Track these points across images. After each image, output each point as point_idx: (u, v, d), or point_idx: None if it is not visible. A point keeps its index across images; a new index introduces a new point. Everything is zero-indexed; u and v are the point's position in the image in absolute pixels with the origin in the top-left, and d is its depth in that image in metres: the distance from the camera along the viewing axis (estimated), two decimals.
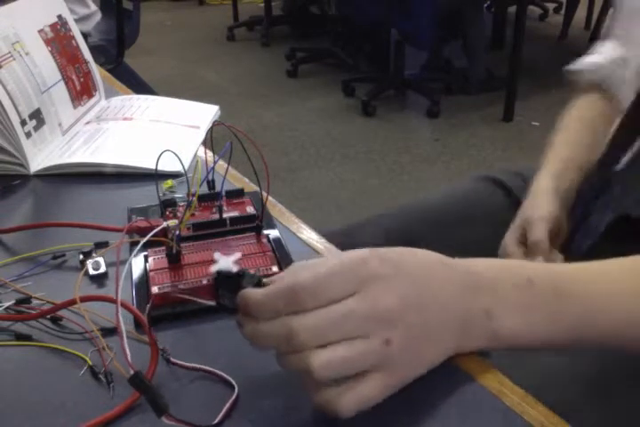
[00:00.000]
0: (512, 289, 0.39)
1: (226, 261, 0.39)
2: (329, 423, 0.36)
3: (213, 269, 0.39)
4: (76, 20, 2.16)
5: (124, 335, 0.35)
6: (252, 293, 0.36)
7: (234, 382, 0.39)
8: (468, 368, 0.40)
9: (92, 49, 0.90)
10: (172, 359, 0.41)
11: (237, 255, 0.40)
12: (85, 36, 2.04)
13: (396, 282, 0.36)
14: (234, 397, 0.37)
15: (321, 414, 0.36)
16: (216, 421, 0.36)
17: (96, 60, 0.90)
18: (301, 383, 0.36)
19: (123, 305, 0.42)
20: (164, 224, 0.47)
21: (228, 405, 0.37)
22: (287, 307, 0.35)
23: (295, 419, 0.37)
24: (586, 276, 0.42)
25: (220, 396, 0.38)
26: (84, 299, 0.43)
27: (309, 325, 0.34)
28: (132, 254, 0.40)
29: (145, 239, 0.41)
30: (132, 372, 0.35)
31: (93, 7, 2.17)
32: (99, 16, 2.20)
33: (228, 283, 0.38)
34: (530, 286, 0.39)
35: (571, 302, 0.40)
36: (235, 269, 0.38)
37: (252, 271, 0.39)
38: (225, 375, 0.39)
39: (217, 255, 0.39)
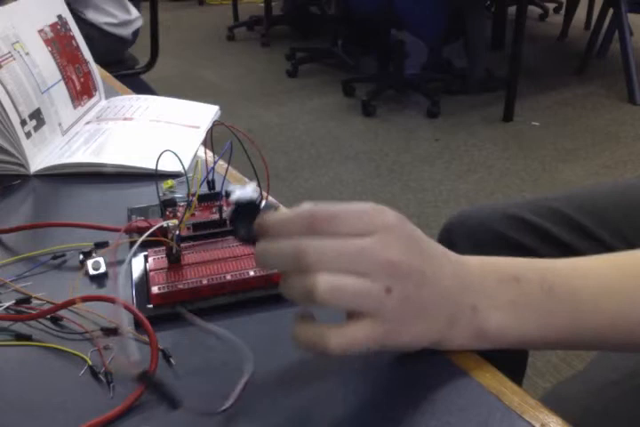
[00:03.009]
0: (497, 285, 0.39)
1: (244, 191, 0.37)
2: (330, 417, 0.36)
3: (232, 198, 0.37)
4: (115, 25, 2.01)
5: (127, 334, 0.35)
6: (271, 214, 0.36)
7: (250, 355, 0.38)
8: (467, 368, 0.40)
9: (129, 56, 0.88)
10: (170, 357, 0.41)
11: (253, 185, 0.38)
12: (125, 41, 1.93)
13: (409, 243, 0.36)
14: (246, 378, 0.37)
15: (325, 408, 0.36)
16: (226, 406, 0.36)
17: (128, 67, 0.88)
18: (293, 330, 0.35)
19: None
20: (162, 223, 0.47)
21: (240, 385, 0.37)
22: (303, 230, 0.35)
23: (298, 416, 0.37)
24: (574, 271, 0.41)
25: (219, 394, 0.38)
26: (84, 299, 0.43)
27: (321, 248, 0.34)
28: (130, 253, 0.40)
29: (142, 238, 0.41)
30: (139, 370, 0.35)
31: (135, 13, 1.98)
32: (139, 23, 2.00)
33: (247, 212, 0.37)
34: (515, 283, 0.39)
35: (560, 299, 0.39)
36: (254, 196, 0.37)
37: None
38: (240, 343, 0.39)
39: (232, 187, 0.38)
